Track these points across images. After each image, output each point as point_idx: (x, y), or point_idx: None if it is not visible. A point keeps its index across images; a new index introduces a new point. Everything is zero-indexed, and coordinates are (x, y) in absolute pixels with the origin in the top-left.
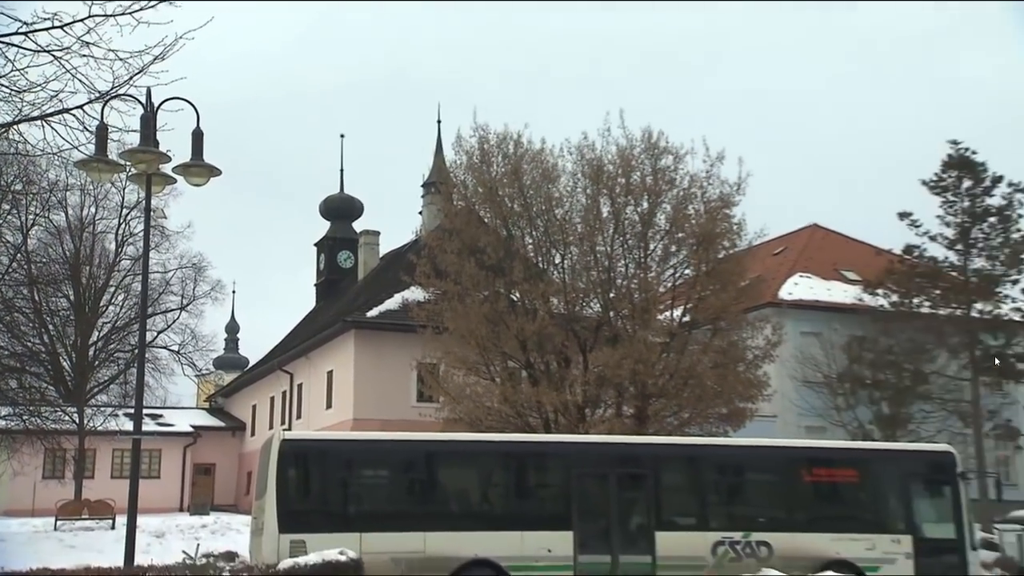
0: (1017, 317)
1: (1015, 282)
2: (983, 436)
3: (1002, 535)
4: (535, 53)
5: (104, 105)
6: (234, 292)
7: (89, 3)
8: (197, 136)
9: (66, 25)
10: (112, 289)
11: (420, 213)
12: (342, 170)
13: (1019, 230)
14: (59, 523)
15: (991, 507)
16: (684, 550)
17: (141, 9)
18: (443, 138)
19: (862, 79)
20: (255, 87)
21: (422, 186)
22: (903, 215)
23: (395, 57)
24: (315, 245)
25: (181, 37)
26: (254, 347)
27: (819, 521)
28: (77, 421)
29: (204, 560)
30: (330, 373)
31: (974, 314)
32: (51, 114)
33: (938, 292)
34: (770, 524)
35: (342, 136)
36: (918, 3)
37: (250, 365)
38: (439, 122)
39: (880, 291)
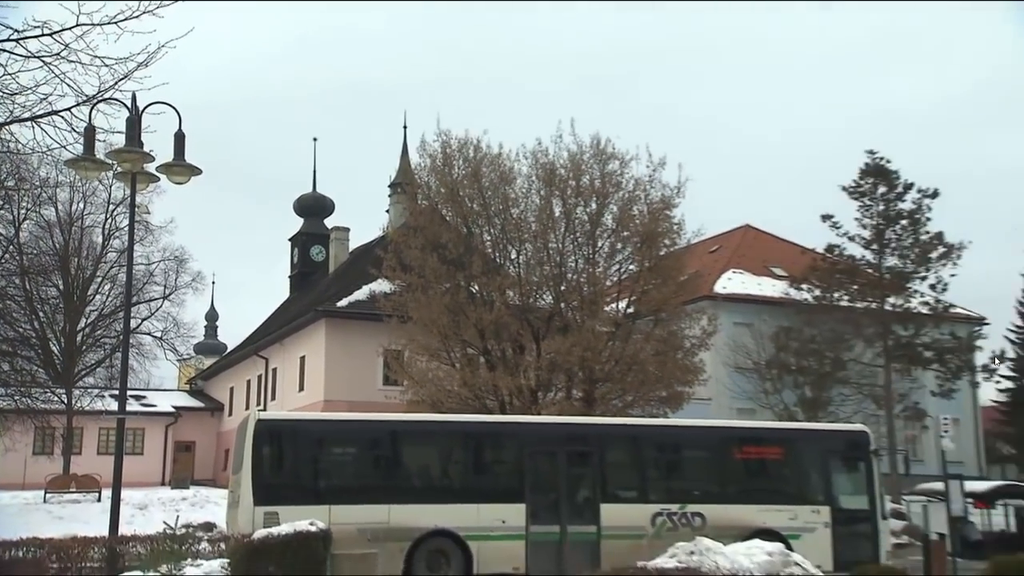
0: (925, 310)
1: (923, 279)
2: (894, 417)
3: (909, 506)
4: (495, 64)
5: (92, 108)
6: (214, 283)
7: (77, 12)
8: (179, 138)
9: (55, 33)
10: (99, 279)
11: (387, 211)
12: (315, 171)
13: (927, 232)
14: (48, 496)
15: (900, 481)
16: (626, 521)
17: (126, 19)
18: (408, 142)
19: (792, 92)
20: (236, 93)
21: (389, 186)
22: (825, 217)
23: (365, 67)
24: (289, 240)
25: (163, 46)
26: (232, 334)
27: (747, 494)
28: (65, 401)
29: (184, 530)
30: (303, 358)
31: (887, 307)
32: (41, 116)
33: (856, 287)
34: (704, 497)
35: (315, 139)
36: (842, 18)
37: (228, 351)
38: (405, 127)
39: (804, 286)
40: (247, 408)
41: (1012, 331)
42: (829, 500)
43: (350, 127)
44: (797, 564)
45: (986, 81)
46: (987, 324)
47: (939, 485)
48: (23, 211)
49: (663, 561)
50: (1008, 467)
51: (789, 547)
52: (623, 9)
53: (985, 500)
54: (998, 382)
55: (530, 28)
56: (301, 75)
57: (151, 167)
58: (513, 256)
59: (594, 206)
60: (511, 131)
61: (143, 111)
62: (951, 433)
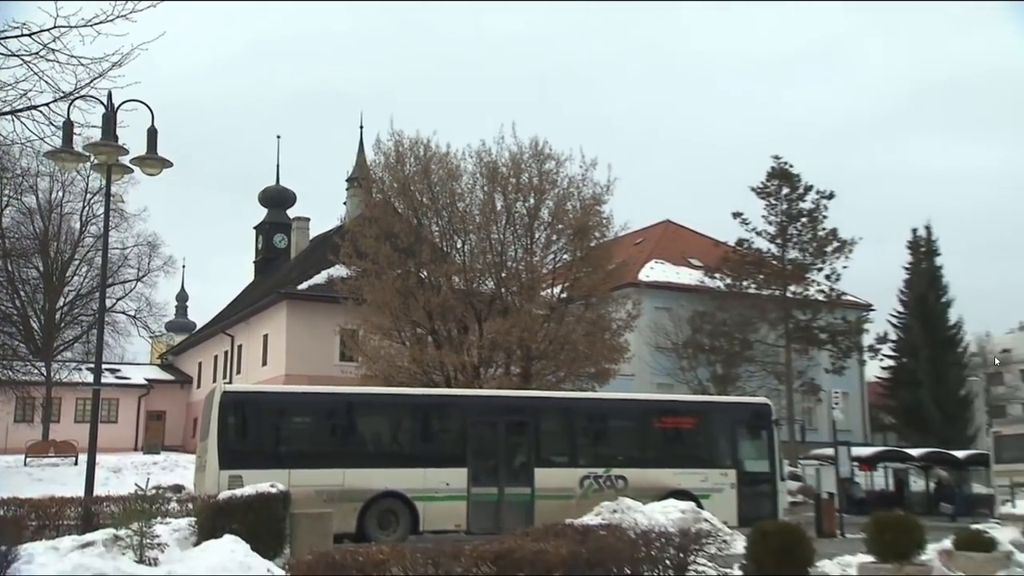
0: (821, 297)
1: (820, 270)
2: (793, 391)
3: (804, 469)
4: (446, 69)
5: (70, 105)
6: (184, 267)
7: (54, 15)
8: (152, 133)
9: (34, 34)
10: (77, 262)
11: (344, 203)
12: (278, 165)
13: (824, 229)
14: (28, 460)
15: (797, 447)
16: (557, 483)
17: (100, 22)
18: (365, 140)
19: (712, 102)
20: (206, 93)
21: (346, 180)
22: (736, 214)
23: (325, 71)
24: (254, 228)
25: (136, 48)
26: (201, 314)
27: (664, 459)
28: (44, 374)
29: (154, 492)
30: (266, 336)
31: (789, 295)
32: (20, 110)
33: (761, 277)
34: (626, 461)
35: (278, 137)
36: (759, 37)
37: (197, 329)
38: (361, 127)
39: (717, 275)
40: (214, 381)
41: (894, 316)
42: (735, 464)
43: (311, 126)
44: (706, 520)
45: (879, 97)
46: (873, 310)
47: (829, 451)
48: (5, 198)
49: (590, 519)
50: (889, 435)
51: (700, 505)
52: (563, 21)
53: (868, 463)
54: (881, 360)
55: (476, 39)
56: (266, 78)
57: (125, 159)
58: (459, 245)
59: (532, 201)
60: (458, 131)
61: (118, 108)
62: (841, 405)
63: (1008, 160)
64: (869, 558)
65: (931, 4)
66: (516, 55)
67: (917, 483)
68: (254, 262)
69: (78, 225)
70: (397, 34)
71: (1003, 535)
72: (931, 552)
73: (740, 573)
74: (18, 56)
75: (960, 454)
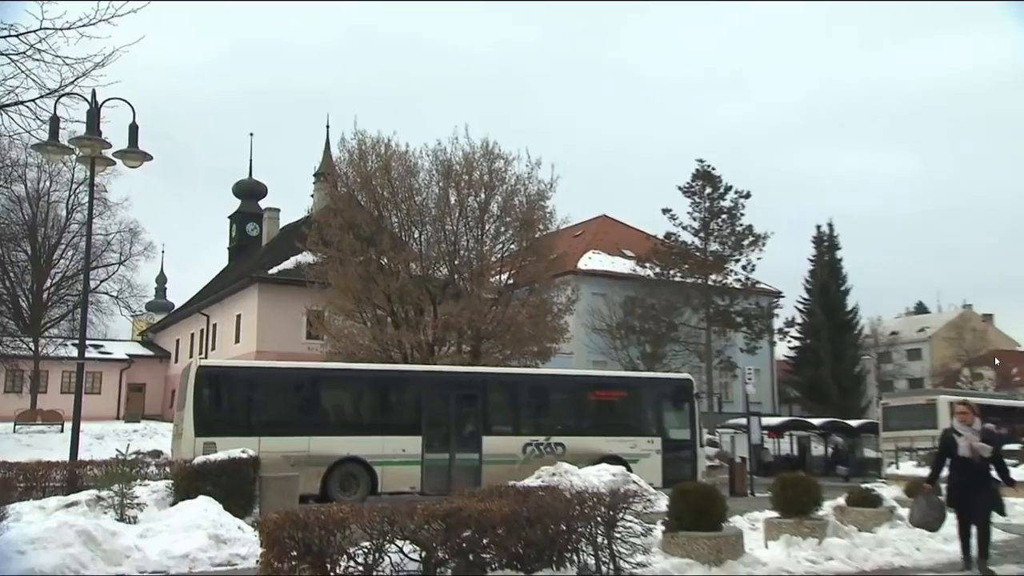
0: (737, 285)
1: (737, 261)
2: (712, 368)
3: (721, 436)
4: (406, 75)
5: (56, 101)
6: (163, 252)
7: (40, 18)
8: (133, 129)
9: (21, 34)
10: (63, 246)
11: (311, 196)
12: (251, 160)
13: (741, 224)
14: (17, 427)
15: (715, 418)
16: (502, 450)
17: (84, 25)
18: (331, 139)
19: (643, 109)
20: (187, 91)
21: (313, 175)
22: (665, 211)
23: (296, 74)
24: (228, 218)
25: (117, 50)
26: (179, 295)
27: (598, 428)
28: (33, 349)
29: (134, 456)
30: (239, 316)
31: (710, 283)
32: (8, 105)
33: (686, 266)
34: (564, 430)
35: (251, 134)
36: (686, 52)
37: (175, 308)
38: (328, 127)
39: (647, 265)
40: (191, 357)
41: (800, 302)
42: (660, 432)
43: (282, 125)
44: (634, 482)
45: (795, 106)
46: (782, 297)
47: (742, 421)
48: None
49: (531, 481)
50: (794, 406)
51: (629, 469)
52: (514, 32)
53: (776, 432)
54: (789, 341)
55: (434, 45)
56: (242, 79)
57: (108, 153)
58: (416, 235)
59: (483, 196)
60: (416, 131)
61: (101, 105)
62: (753, 381)
63: (900, 167)
64: (774, 514)
65: (836, 29)
66: (474, 61)
67: (817, 448)
68: (228, 248)
69: (64, 212)
70: (363, 41)
71: (888, 493)
72: (827, 508)
73: (662, 528)
74: (6, 55)
75: (854, 423)
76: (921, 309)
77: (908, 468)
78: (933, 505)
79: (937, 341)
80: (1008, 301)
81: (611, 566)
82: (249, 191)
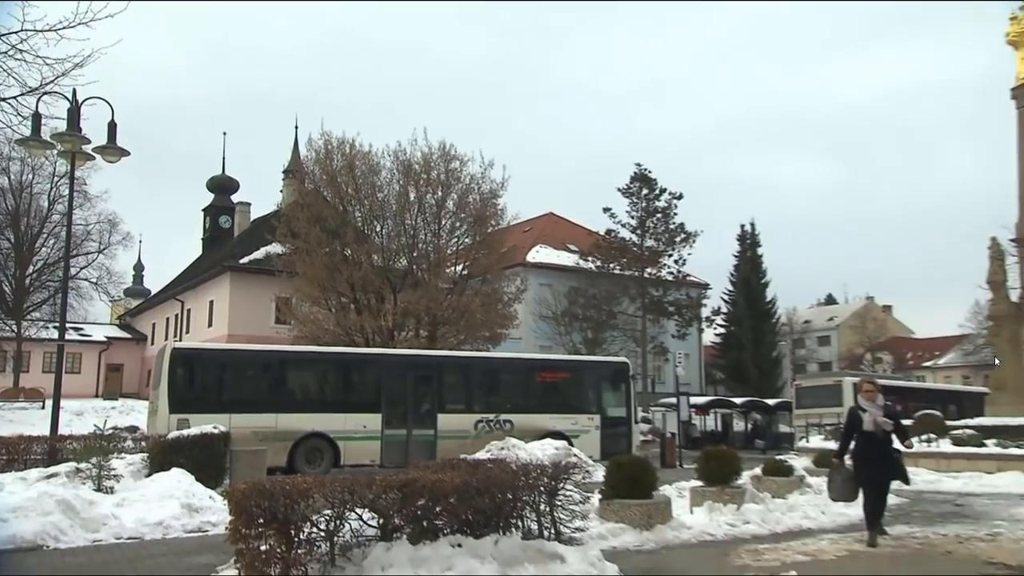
0: (670, 278)
1: (670, 255)
2: (646, 352)
3: (653, 414)
4: (371, 80)
5: (38, 100)
6: (140, 241)
7: (21, 19)
8: (112, 126)
9: (2, 35)
10: (44, 235)
11: (281, 191)
12: (224, 157)
13: (675, 223)
14: (0, 404)
15: (648, 397)
16: (456, 426)
17: (63, 28)
18: (299, 138)
19: (588, 116)
20: (166, 91)
21: (283, 172)
22: (606, 209)
23: (267, 76)
24: (202, 211)
25: (96, 51)
26: (155, 281)
27: (543, 406)
28: (15, 331)
29: (112, 431)
30: (211, 302)
31: (645, 275)
32: None
33: (624, 260)
34: (512, 408)
35: (224, 133)
36: (624, 68)
37: (152, 294)
38: (296, 127)
39: (589, 258)
40: (166, 339)
41: (725, 294)
42: (599, 410)
43: (253, 124)
44: (575, 455)
45: (725, 118)
46: (710, 288)
47: (673, 400)
48: None
49: (481, 455)
50: (719, 387)
51: (571, 443)
52: (468, 45)
53: (703, 410)
54: (715, 328)
55: (394, 52)
56: (216, 81)
57: (88, 148)
58: (378, 229)
59: (440, 194)
60: (379, 133)
61: (81, 103)
62: (683, 364)
63: (816, 175)
64: (699, 483)
65: (764, 51)
66: (434, 66)
67: (738, 424)
68: (202, 239)
69: (46, 204)
70: (330, 47)
71: (799, 464)
72: (745, 478)
73: (599, 496)
74: None
75: (770, 402)
76: (830, 301)
77: (816, 442)
78: (847, 478)
79: (844, 329)
80: (904, 294)
81: (552, 531)
82: (222, 186)
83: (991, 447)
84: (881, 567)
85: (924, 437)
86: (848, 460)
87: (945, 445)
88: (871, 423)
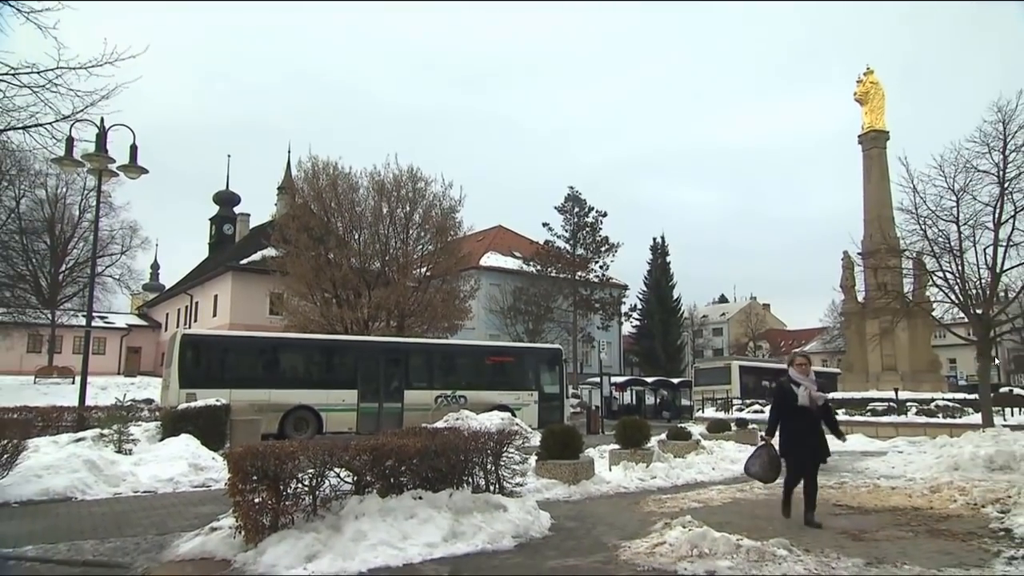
0: (596, 280)
1: (597, 262)
2: (576, 341)
3: (582, 390)
4: (353, 110)
5: (71, 126)
6: (157, 245)
7: (57, 59)
8: (133, 148)
9: (41, 71)
10: (75, 239)
11: (275, 204)
12: (228, 175)
13: (600, 236)
14: (37, 380)
15: (578, 377)
16: (420, 400)
17: (92, 66)
18: (291, 160)
19: (530, 147)
20: (181, 117)
21: (277, 188)
22: (544, 224)
23: (265, 108)
24: (209, 220)
25: (119, 86)
26: (169, 278)
27: (492, 384)
28: (50, 318)
29: (130, 403)
30: (216, 296)
31: (576, 278)
32: (30, 126)
33: (559, 265)
34: (466, 386)
35: (228, 155)
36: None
37: (166, 289)
38: (289, 151)
39: (531, 264)
40: (177, 327)
41: (640, 294)
42: (537, 388)
43: (253, 148)
44: (517, 424)
45: (643, 151)
46: (628, 289)
47: (597, 379)
48: (22, 191)
49: (440, 424)
50: (635, 369)
51: (514, 415)
52: (433, 89)
53: (621, 387)
54: (632, 322)
55: (366, 91)
56: (222, 111)
57: (113, 167)
58: (356, 237)
59: (408, 209)
60: (358, 156)
61: (108, 129)
62: (606, 350)
63: (714, 197)
64: (616, 446)
65: (676, 98)
66: (401, 114)
67: (649, 399)
68: (208, 243)
69: (77, 212)
70: (314, 80)
71: (695, 430)
72: (653, 442)
73: (536, 457)
74: (29, 87)
75: (675, 380)
76: (723, 299)
77: (710, 412)
78: (772, 459)
79: (733, 322)
80: (779, 295)
81: (497, 486)
82: (226, 199)
83: (841, 415)
84: (756, 510)
85: None
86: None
87: None
88: (806, 397)
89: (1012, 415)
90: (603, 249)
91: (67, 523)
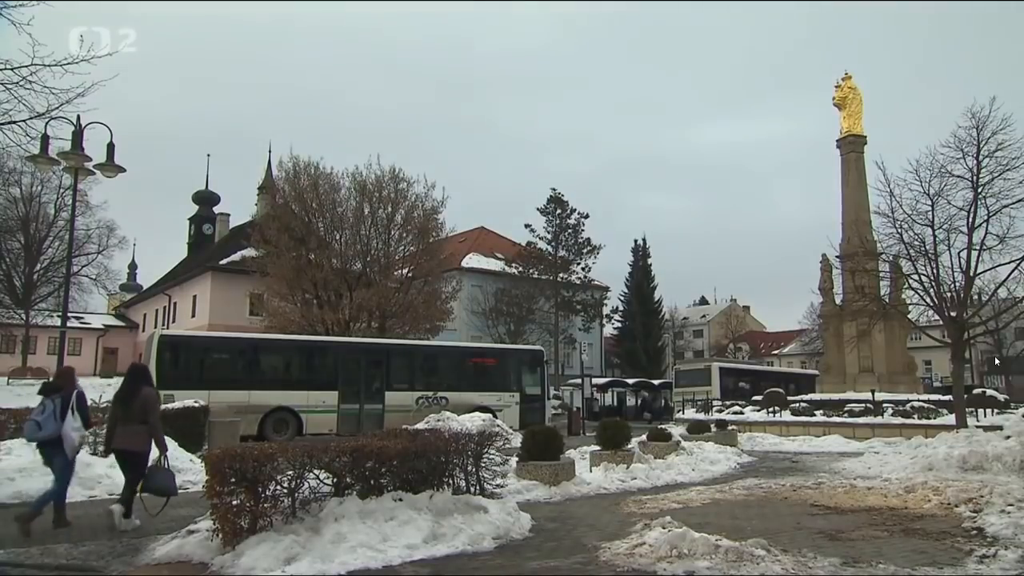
0: (578, 282)
1: (579, 264)
2: (558, 342)
3: (563, 392)
4: (334, 112)
5: (46, 124)
6: (135, 244)
7: (31, 55)
8: (110, 146)
9: (15, 68)
10: (51, 238)
11: (255, 204)
12: (207, 174)
13: (582, 238)
14: (10, 382)
15: (559, 378)
16: (400, 402)
17: (68, 63)
18: (272, 160)
19: (518, 157)
20: (159, 116)
21: (257, 188)
22: (527, 225)
23: (244, 107)
24: (188, 219)
25: (95, 84)
26: (147, 278)
27: (473, 385)
28: (24, 319)
29: (107, 404)
30: (195, 296)
31: (558, 279)
32: (3, 124)
33: (542, 267)
34: (448, 387)
35: (208, 155)
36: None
37: (143, 289)
38: (270, 151)
39: (513, 265)
40: (155, 327)
41: (622, 296)
42: (519, 389)
43: (233, 147)
44: (498, 425)
45: (624, 158)
46: (610, 291)
47: (579, 381)
48: None
49: (421, 425)
50: (616, 370)
51: (495, 416)
52: (421, 95)
53: (602, 388)
54: (614, 323)
55: (349, 97)
56: (200, 111)
57: (89, 165)
58: (337, 237)
59: (390, 209)
60: (339, 156)
61: (84, 127)
62: (587, 352)
63: (695, 202)
64: (597, 447)
65: (654, 110)
66: (386, 117)
67: (631, 400)
68: (187, 243)
69: (52, 211)
70: (296, 82)
71: (675, 431)
72: (634, 443)
73: (517, 459)
74: (2, 84)
75: (656, 382)
76: (703, 301)
77: (690, 413)
78: None
79: (713, 324)
80: (759, 297)
81: (478, 487)
82: (205, 199)
83: (819, 416)
84: (735, 510)
85: (771, 408)
86: None
87: (786, 415)
88: None
89: (985, 416)
90: (585, 251)
91: (40, 526)
